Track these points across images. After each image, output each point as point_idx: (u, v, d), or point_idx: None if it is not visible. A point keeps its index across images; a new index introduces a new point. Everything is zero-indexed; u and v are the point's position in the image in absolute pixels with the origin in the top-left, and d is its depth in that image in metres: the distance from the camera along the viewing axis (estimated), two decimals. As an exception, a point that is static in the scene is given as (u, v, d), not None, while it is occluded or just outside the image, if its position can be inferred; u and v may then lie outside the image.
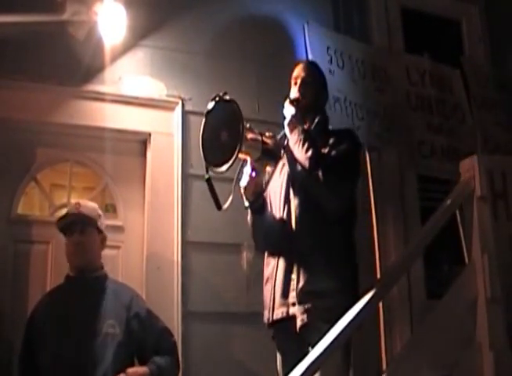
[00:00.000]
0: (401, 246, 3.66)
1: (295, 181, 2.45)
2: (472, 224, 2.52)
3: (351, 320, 2.11)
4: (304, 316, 2.28)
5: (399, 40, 4.22)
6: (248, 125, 2.35)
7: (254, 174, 2.42)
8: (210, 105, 2.36)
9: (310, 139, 2.38)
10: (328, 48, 3.33)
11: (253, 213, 2.52)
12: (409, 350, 2.44)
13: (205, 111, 2.38)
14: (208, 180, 2.33)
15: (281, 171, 2.54)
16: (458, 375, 2.36)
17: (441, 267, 4.01)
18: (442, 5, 4.51)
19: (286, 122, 2.46)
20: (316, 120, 2.54)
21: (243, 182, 2.43)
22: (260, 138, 2.39)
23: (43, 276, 3.08)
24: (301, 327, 2.29)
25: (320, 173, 2.31)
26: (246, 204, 2.48)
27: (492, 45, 4.45)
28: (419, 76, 3.73)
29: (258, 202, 2.50)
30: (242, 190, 2.44)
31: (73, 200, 3.19)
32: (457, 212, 2.88)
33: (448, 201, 2.56)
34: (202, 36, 3.54)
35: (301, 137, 2.38)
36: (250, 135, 2.34)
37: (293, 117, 2.44)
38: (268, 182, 2.59)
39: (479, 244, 2.48)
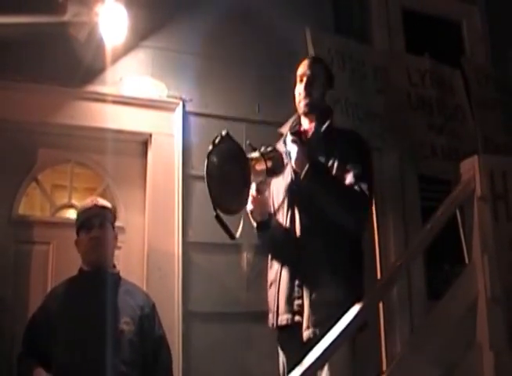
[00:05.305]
0: (401, 246, 3.66)
1: (302, 196, 2.41)
2: (472, 224, 2.53)
3: (352, 321, 2.11)
4: (315, 329, 2.25)
5: (400, 41, 4.21)
6: (257, 153, 2.32)
7: (258, 196, 2.39)
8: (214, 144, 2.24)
9: (320, 175, 2.36)
10: (329, 49, 3.33)
11: (260, 231, 2.50)
12: (409, 350, 2.44)
13: (207, 152, 2.24)
14: (217, 217, 2.22)
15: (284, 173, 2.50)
16: (458, 375, 2.37)
17: (441, 267, 4.00)
18: (443, 5, 4.51)
19: (293, 160, 2.37)
20: (326, 125, 2.50)
21: (249, 206, 2.39)
22: (265, 167, 2.34)
23: (44, 277, 3.08)
24: (309, 338, 2.26)
25: (337, 204, 2.32)
26: (256, 230, 2.48)
27: (493, 46, 4.45)
28: (419, 76, 3.72)
29: (266, 219, 2.47)
30: (249, 214, 2.43)
31: (74, 201, 3.23)
32: (457, 212, 2.88)
33: (449, 201, 2.57)
34: (203, 37, 3.53)
35: (312, 177, 2.33)
36: (256, 166, 2.31)
37: (298, 153, 2.37)
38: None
39: (479, 244, 2.48)
